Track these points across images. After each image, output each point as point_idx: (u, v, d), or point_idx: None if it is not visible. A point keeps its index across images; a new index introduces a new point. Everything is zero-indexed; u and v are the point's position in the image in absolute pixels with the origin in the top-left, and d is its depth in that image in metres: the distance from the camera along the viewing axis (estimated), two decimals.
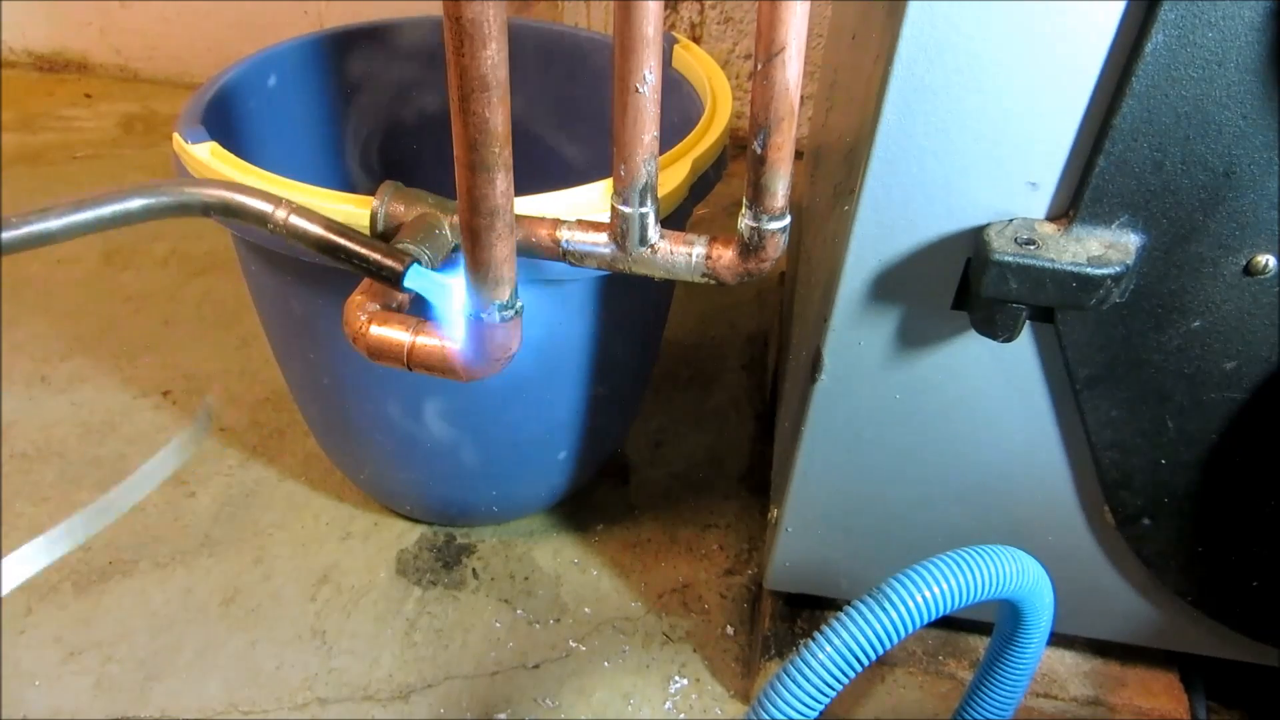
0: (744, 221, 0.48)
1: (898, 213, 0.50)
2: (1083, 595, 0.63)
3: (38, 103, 1.61)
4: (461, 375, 0.50)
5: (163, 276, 1.18)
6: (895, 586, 0.44)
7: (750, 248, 0.48)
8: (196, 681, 0.74)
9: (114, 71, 1.72)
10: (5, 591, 0.56)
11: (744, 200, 0.47)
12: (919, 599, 0.43)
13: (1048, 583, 0.50)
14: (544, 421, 0.75)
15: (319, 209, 0.57)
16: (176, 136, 0.64)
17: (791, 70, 0.41)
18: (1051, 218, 0.48)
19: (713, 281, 0.51)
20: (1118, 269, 0.46)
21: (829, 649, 0.44)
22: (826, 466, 0.61)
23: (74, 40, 1.70)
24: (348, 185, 0.88)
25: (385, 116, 0.90)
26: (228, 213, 0.46)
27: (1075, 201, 0.47)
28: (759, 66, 0.42)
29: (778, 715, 0.44)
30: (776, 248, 0.48)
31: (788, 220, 0.47)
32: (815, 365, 0.57)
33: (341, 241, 0.47)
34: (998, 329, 0.49)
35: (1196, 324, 0.49)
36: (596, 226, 0.51)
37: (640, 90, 0.45)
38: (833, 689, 0.44)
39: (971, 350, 0.54)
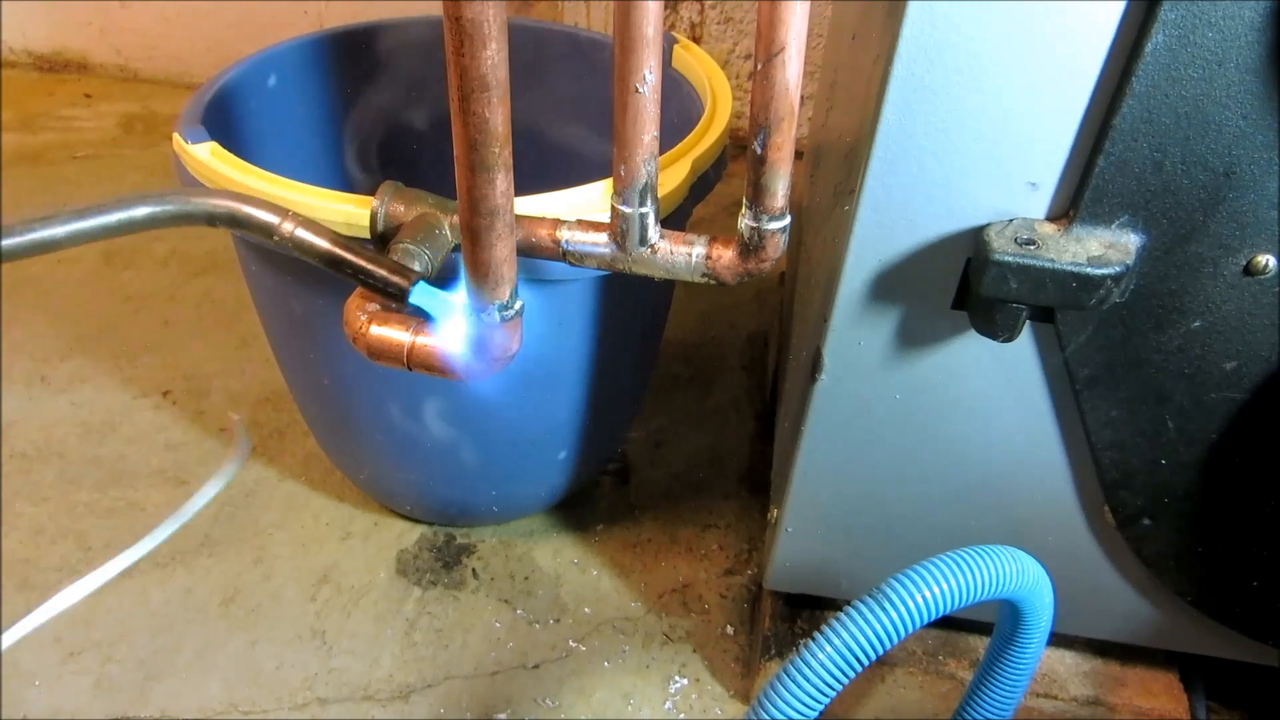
0: (744, 221, 0.48)
1: (898, 213, 0.50)
2: (1083, 595, 0.63)
3: (38, 103, 1.61)
4: (461, 375, 0.50)
5: (163, 276, 1.18)
6: (895, 586, 0.44)
7: (750, 248, 0.48)
8: (196, 681, 0.74)
9: (114, 71, 1.72)
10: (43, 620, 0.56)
11: (744, 200, 0.47)
12: (919, 599, 0.43)
13: (1048, 583, 0.50)
14: (544, 421, 0.75)
15: (319, 209, 0.57)
16: (176, 136, 0.64)
17: (791, 70, 0.41)
18: (1051, 218, 0.48)
19: (713, 281, 0.51)
20: (1118, 269, 0.46)
21: (829, 649, 0.44)
22: (826, 466, 0.61)
23: (74, 40, 1.70)
24: (348, 185, 0.88)
25: (385, 116, 0.90)
26: (234, 224, 0.46)
27: (1075, 201, 0.47)
28: (759, 66, 0.42)
29: (778, 715, 0.44)
30: (776, 248, 0.48)
31: (788, 220, 0.47)
32: (815, 365, 0.57)
33: (347, 256, 0.47)
34: (998, 329, 0.49)
35: (1196, 324, 0.49)
36: (596, 226, 0.51)
37: (640, 90, 0.45)
38: (833, 689, 0.44)
39: (971, 350, 0.54)
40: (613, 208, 0.49)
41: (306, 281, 0.64)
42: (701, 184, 0.64)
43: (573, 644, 0.78)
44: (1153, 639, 0.65)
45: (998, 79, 0.45)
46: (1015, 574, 0.46)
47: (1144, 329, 0.50)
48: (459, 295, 0.48)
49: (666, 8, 1.46)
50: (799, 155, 1.11)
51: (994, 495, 0.60)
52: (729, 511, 0.91)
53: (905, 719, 0.70)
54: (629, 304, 0.72)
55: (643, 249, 0.51)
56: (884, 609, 0.43)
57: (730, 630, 0.80)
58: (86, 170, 1.42)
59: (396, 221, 0.53)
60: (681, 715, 0.74)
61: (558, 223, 0.52)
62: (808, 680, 0.44)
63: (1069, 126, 0.45)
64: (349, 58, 0.85)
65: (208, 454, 0.94)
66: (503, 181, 0.42)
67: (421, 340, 0.49)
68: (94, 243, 0.41)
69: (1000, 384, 0.55)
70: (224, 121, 0.72)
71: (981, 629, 0.71)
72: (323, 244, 0.47)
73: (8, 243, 0.38)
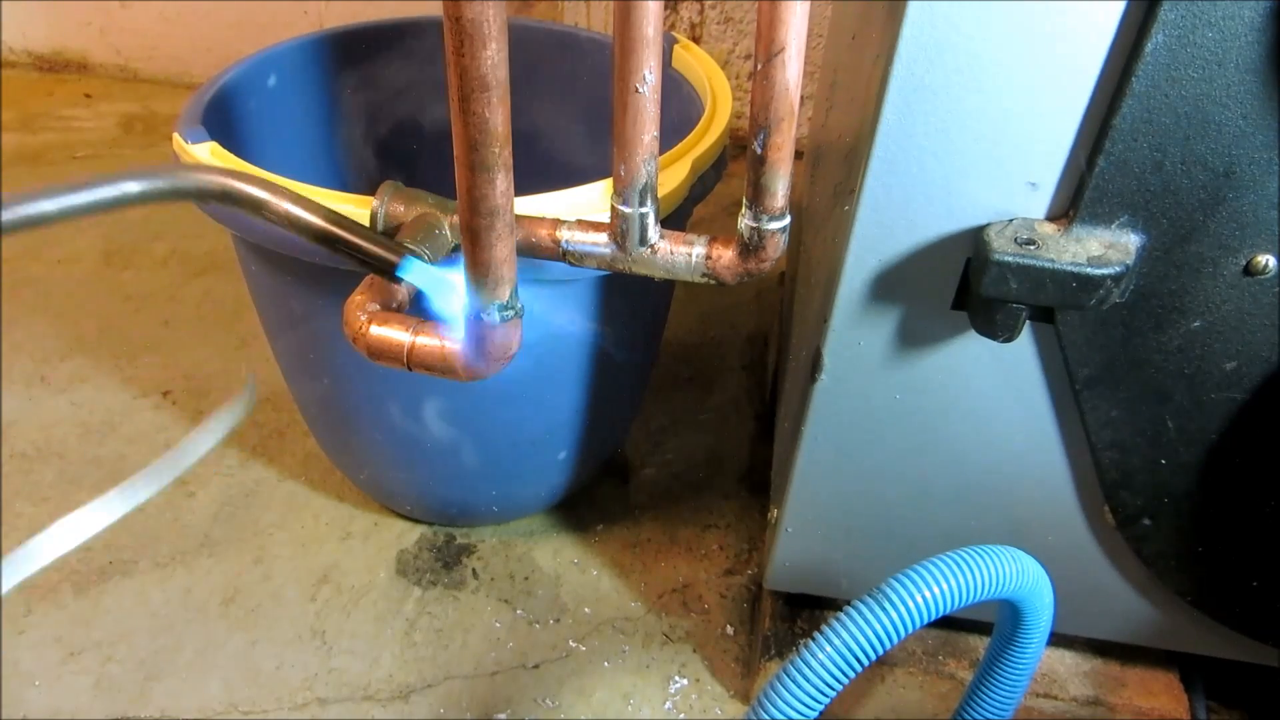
0: (744, 221, 0.48)
1: (898, 213, 0.50)
2: (1083, 595, 0.63)
3: (38, 103, 1.61)
4: (461, 375, 0.50)
5: (163, 276, 1.18)
6: (895, 586, 0.44)
7: (750, 248, 0.48)
8: (196, 681, 0.74)
9: (114, 71, 1.72)
10: (53, 559, 0.56)
11: (744, 200, 0.47)
12: (919, 599, 0.43)
13: (1048, 583, 0.50)
14: (544, 421, 0.75)
15: None
16: (176, 136, 0.64)
17: (791, 70, 0.41)
18: (1051, 218, 0.48)
19: (713, 282, 0.51)
20: (1118, 269, 0.46)
21: (829, 649, 0.44)
22: (826, 466, 0.61)
23: (74, 40, 1.70)
24: (347, 185, 0.88)
25: (385, 116, 0.90)
26: (225, 199, 0.46)
27: (1075, 201, 0.47)
28: (759, 66, 0.42)
29: (778, 715, 0.44)
30: (776, 248, 0.48)
31: (788, 220, 0.47)
32: (815, 365, 0.57)
33: (338, 232, 0.47)
34: (998, 329, 0.49)
35: (1196, 324, 0.49)
36: (596, 226, 0.51)
37: (640, 90, 0.45)
38: (833, 689, 0.44)
39: (971, 350, 0.54)
40: (613, 208, 0.49)
41: (306, 281, 0.64)
42: (701, 184, 0.64)
43: (573, 644, 0.78)
44: (1153, 639, 0.65)
45: (998, 79, 0.45)
46: (1015, 574, 0.46)
47: (1144, 329, 0.50)
48: (454, 273, 0.48)
49: (666, 8, 1.46)
50: (799, 155, 1.11)
51: (994, 495, 0.60)
52: (729, 511, 0.91)
53: (905, 719, 0.70)
54: (629, 304, 0.72)
55: (643, 249, 0.51)
56: (884, 609, 0.43)
57: (730, 630, 0.80)
58: (86, 170, 1.42)
59: (396, 221, 0.53)
60: (681, 715, 0.74)
61: (558, 223, 0.52)
62: (808, 680, 0.44)
63: (1069, 126, 0.45)
64: (349, 58, 0.85)
65: (208, 454, 0.94)
66: (503, 181, 0.42)
67: (421, 340, 0.49)
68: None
69: (1000, 384, 0.55)
70: (224, 121, 0.72)
71: (981, 629, 0.71)
72: (315, 220, 0.47)
73: (3, 216, 0.38)
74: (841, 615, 0.44)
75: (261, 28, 1.61)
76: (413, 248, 0.48)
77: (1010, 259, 0.46)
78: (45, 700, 0.73)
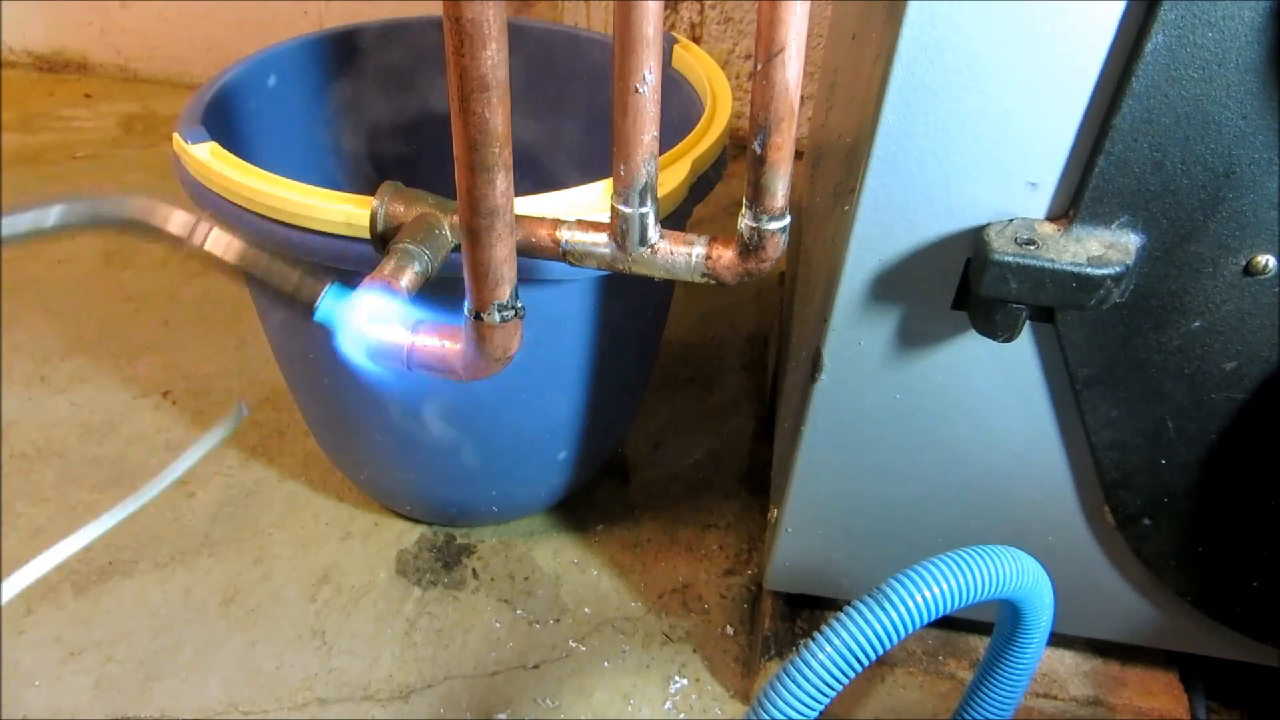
0: (744, 221, 0.48)
1: (898, 213, 0.50)
2: (1083, 595, 0.63)
3: (38, 103, 1.61)
4: (461, 375, 0.50)
5: (163, 276, 1.18)
6: (895, 586, 0.44)
7: (750, 248, 0.48)
8: (196, 681, 0.74)
9: (114, 71, 1.72)
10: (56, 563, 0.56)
11: (744, 200, 0.47)
12: (919, 599, 0.43)
13: (1048, 583, 0.50)
14: (544, 421, 0.75)
15: (319, 209, 0.57)
16: (176, 136, 0.64)
17: (791, 70, 0.41)
18: (1051, 218, 0.48)
19: (713, 281, 0.51)
20: (1118, 269, 0.46)
21: (829, 649, 0.44)
22: (826, 466, 0.61)
23: (74, 40, 1.70)
24: (347, 185, 0.88)
25: (385, 116, 0.90)
26: (146, 230, 0.46)
27: (1075, 202, 0.47)
28: (759, 66, 0.42)
29: (778, 715, 0.44)
30: (776, 248, 0.48)
31: (788, 220, 0.47)
32: (815, 365, 0.57)
33: (256, 267, 0.47)
34: (998, 329, 0.49)
35: (1196, 324, 0.49)
36: (596, 226, 0.51)
37: (640, 90, 0.45)
38: (833, 689, 0.44)
39: (971, 350, 0.54)
40: (613, 208, 0.49)
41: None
42: (701, 184, 0.64)
43: (573, 644, 0.78)
44: (1153, 639, 0.65)
45: (998, 79, 0.44)
46: (1015, 574, 0.46)
47: (1144, 329, 0.50)
48: (361, 306, 0.48)
49: (666, 8, 1.46)
50: (799, 155, 1.11)
51: (994, 495, 0.60)
52: (729, 511, 0.91)
53: (905, 719, 0.70)
54: (629, 304, 0.72)
55: (643, 249, 0.51)
56: (884, 609, 0.43)
57: (730, 630, 0.80)
58: (86, 170, 1.42)
59: (396, 221, 0.53)
60: (681, 715, 0.74)
61: (558, 223, 0.52)
62: (808, 680, 0.44)
63: (1069, 126, 0.45)
64: (349, 58, 0.85)
65: (208, 454, 0.94)
66: (503, 181, 0.42)
67: (422, 340, 0.49)
68: (92, 235, 0.42)
69: (1000, 384, 0.55)
70: (224, 121, 0.72)
71: (981, 629, 0.71)
72: (231, 254, 0.47)
73: None
74: (841, 615, 0.44)
75: (261, 28, 1.61)
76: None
77: (1010, 259, 0.46)
78: (45, 700, 0.73)
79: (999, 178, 0.47)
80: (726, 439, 0.99)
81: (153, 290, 1.16)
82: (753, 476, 0.94)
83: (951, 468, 0.59)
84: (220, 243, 0.47)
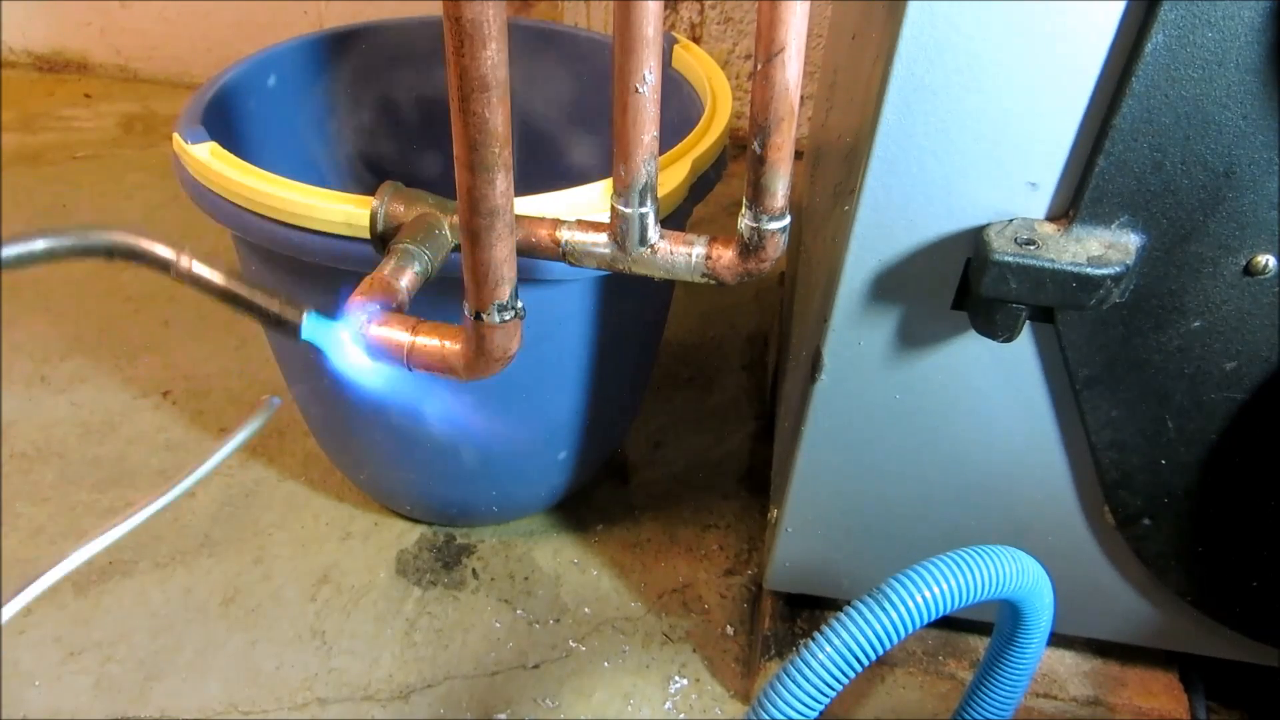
0: (744, 221, 0.48)
1: (898, 213, 0.50)
2: (1083, 595, 0.63)
3: (38, 103, 1.61)
4: (461, 375, 0.50)
5: (163, 277, 1.18)
6: (895, 586, 0.44)
7: (750, 248, 0.48)
8: (196, 681, 0.74)
9: (114, 71, 1.72)
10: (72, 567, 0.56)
11: (744, 200, 0.47)
12: (919, 599, 0.43)
13: (1048, 583, 0.50)
14: (544, 421, 0.75)
15: (319, 209, 0.57)
16: (176, 136, 0.64)
17: (791, 70, 0.41)
18: (1051, 218, 0.48)
19: (713, 282, 0.51)
20: (1118, 269, 0.46)
21: (829, 649, 0.44)
22: (826, 466, 0.61)
23: (74, 40, 1.70)
24: (347, 185, 0.88)
25: (385, 116, 0.90)
26: (132, 257, 0.48)
27: (1075, 202, 0.47)
28: (759, 66, 0.42)
29: (778, 715, 0.44)
30: (776, 248, 0.48)
31: (788, 220, 0.47)
32: (815, 365, 0.57)
33: (241, 293, 0.48)
34: (998, 329, 0.49)
35: (1196, 324, 0.49)
36: (596, 226, 0.51)
37: (640, 90, 0.45)
38: (833, 689, 0.44)
39: (971, 350, 0.54)
40: (612, 208, 0.49)
41: (306, 281, 0.64)
42: (701, 184, 0.64)
43: (573, 644, 0.78)
44: (1153, 639, 0.65)
45: (998, 79, 0.44)
46: (1015, 574, 0.46)
47: (1144, 329, 0.50)
48: (347, 328, 0.49)
49: (666, 8, 1.46)
50: (799, 155, 1.11)
51: (994, 495, 0.60)
52: (729, 511, 0.91)
53: (905, 719, 0.70)
54: (629, 304, 0.72)
55: (643, 249, 0.51)
56: (884, 609, 0.43)
57: (730, 630, 0.80)
58: (86, 170, 1.42)
59: (396, 221, 0.53)
60: (681, 715, 0.74)
61: (558, 223, 0.52)
62: (808, 680, 0.44)
63: (1069, 126, 0.45)
64: (349, 58, 0.85)
65: (207, 454, 0.94)
66: (503, 181, 0.42)
67: (422, 340, 0.49)
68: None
69: (1000, 384, 0.55)
70: (224, 121, 0.72)
71: (981, 629, 0.71)
72: (218, 280, 0.48)
73: None
74: (841, 615, 0.44)
75: (261, 28, 1.61)
76: (310, 307, 0.49)
77: (1010, 259, 0.46)
78: (45, 700, 0.72)
79: (999, 178, 0.47)
80: (726, 439, 0.99)
81: (153, 290, 1.16)
82: (753, 476, 0.94)
83: (951, 468, 0.59)
84: (205, 269, 0.48)
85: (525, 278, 0.52)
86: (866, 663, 0.44)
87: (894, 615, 0.43)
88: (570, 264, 0.52)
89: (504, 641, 0.78)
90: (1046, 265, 0.46)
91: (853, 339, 0.55)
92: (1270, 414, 0.51)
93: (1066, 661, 0.71)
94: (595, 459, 0.86)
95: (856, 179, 0.50)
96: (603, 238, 0.51)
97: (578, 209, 0.57)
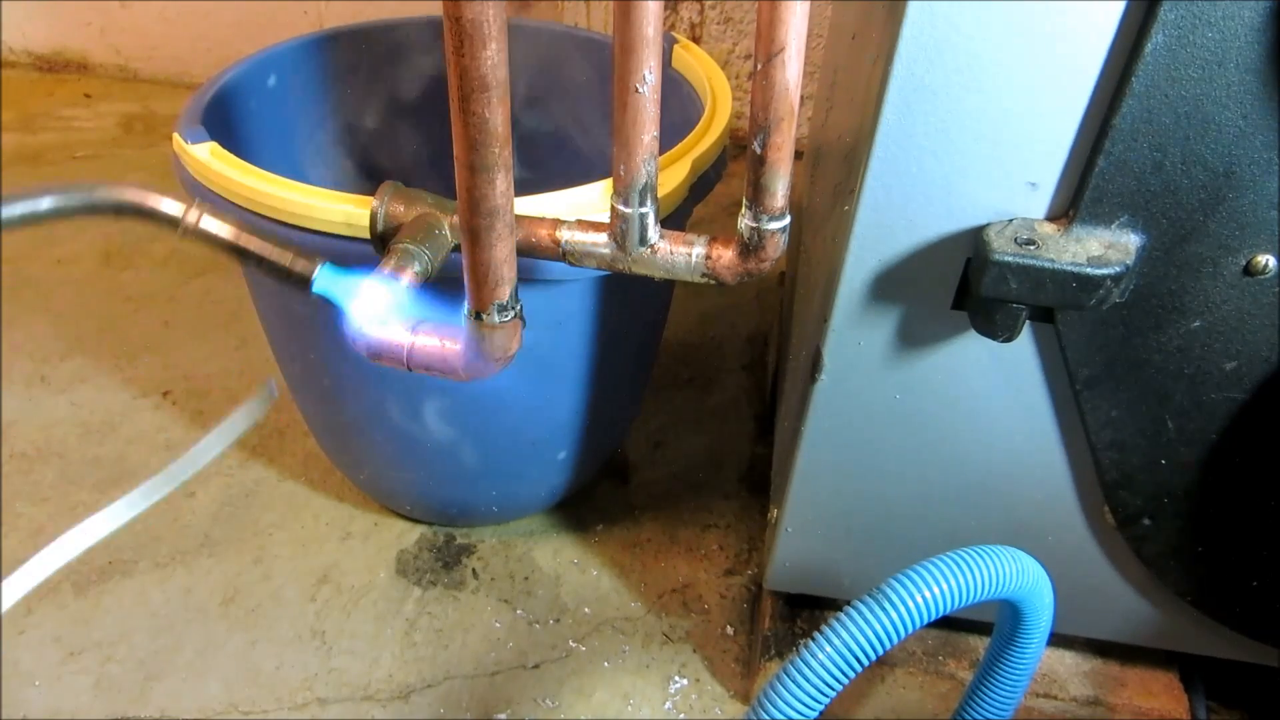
0: (744, 221, 0.48)
1: (898, 213, 0.50)
2: (1083, 595, 0.63)
3: (38, 103, 1.61)
4: (461, 375, 0.50)
5: (163, 276, 1.18)
6: (895, 586, 0.44)
7: (750, 248, 0.48)
8: (196, 681, 0.74)
9: (114, 71, 1.72)
10: (58, 567, 0.56)
11: (744, 200, 0.47)
12: (919, 599, 0.43)
13: (1048, 583, 0.50)
14: (544, 421, 0.75)
15: (319, 209, 0.57)
16: (176, 136, 0.64)
17: (791, 70, 0.41)
18: (1051, 218, 0.48)
19: (713, 281, 0.51)
20: (1117, 269, 0.46)
21: (829, 649, 0.44)
22: (826, 466, 0.61)
23: (74, 40, 1.70)
24: (347, 185, 0.88)
25: (385, 116, 0.90)
26: (139, 214, 0.47)
27: (1075, 202, 0.47)
28: (759, 66, 0.42)
29: (778, 715, 0.44)
30: (776, 248, 0.48)
31: (788, 220, 0.47)
32: (815, 365, 0.57)
33: (252, 246, 0.47)
34: (998, 329, 0.49)
35: (1196, 324, 0.49)
36: (596, 226, 0.51)
37: (640, 90, 0.45)
38: (833, 689, 0.44)
39: (971, 350, 0.54)
40: (613, 208, 0.49)
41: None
42: (701, 184, 0.64)
43: (573, 644, 0.78)
44: (1153, 639, 0.65)
45: (998, 79, 0.44)
46: (1015, 574, 0.46)
47: (1144, 329, 0.50)
48: (365, 278, 0.48)
49: (666, 8, 1.46)
50: (799, 155, 1.11)
51: (994, 495, 0.60)
52: (729, 511, 0.91)
53: (905, 719, 0.70)
54: (629, 304, 0.72)
55: (643, 249, 0.51)
56: (884, 609, 0.43)
57: (730, 630, 0.80)
58: (86, 170, 1.42)
59: (396, 221, 0.53)
60: (681, 715, 0.74)
61: (558, 223, 0.52)
62: (808, 680, 0.44)
63: (1069, 126, 0.45)
64: (349, 58, 0.85)
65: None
66: (503, 181, 0.42)
67: (421, 340, 0.49)
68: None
69: (1000, 384, 0.55)
70: (224, 121, 0.72)
71: (981, 629, 0.71)
72: (227, 234, 0.47)
73: None
74: (841, 615, 0.44)
75: (261, 28, 1.61)
76: (323, 259, 0.49)
77: (1010, 259, 0.46)
78: (45, 700, 0.73)
79: (999, 178, 0.47)
80: (726, 439, 0.99)
81: (153, 290, 1.16)
82: (753, 476, 0.94)
83: (951, 468, 0.59)
84: (214, 223, 0.47)
85: (525, 278, 0.52)
86: (866, 663, 0.44)
87: (894, 615, 0.43)
88: (570, 264, 0.52)
89: (504, 641, 0.78)
90: (1046, 265, 0.46)
91: (853, 339, 0.55)
92: (1270, 414, 0.51)
93: (1066, 661, 0.71)
94: (595, 459, 0.86)
95: (856, 179, 0.50)
96: (603, 238, 0.51)
97: (578, 209, 0.57)
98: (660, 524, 0.89)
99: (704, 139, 0.65)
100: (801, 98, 0.43)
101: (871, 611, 0.43)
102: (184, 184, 0.64)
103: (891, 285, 0.52)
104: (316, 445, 0.88)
